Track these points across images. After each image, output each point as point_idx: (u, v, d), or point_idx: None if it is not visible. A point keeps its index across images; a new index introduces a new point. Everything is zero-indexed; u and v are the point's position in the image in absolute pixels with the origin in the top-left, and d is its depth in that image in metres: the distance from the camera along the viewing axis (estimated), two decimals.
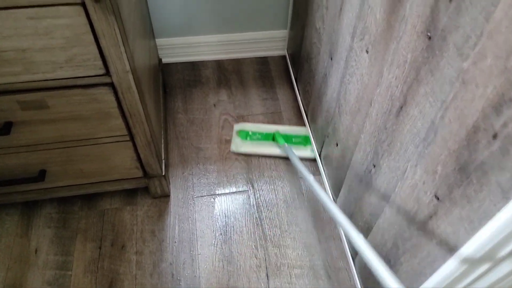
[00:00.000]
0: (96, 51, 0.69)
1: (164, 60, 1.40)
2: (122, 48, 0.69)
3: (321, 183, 1.12)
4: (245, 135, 1.21)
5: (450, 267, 0.51)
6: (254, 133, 1.22)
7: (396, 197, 0.67)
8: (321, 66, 1.01)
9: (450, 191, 0.51)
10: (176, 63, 1.41)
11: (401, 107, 0.61)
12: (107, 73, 0.73)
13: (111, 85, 0.76)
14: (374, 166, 0.74)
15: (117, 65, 0.72)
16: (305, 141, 1.21)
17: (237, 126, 1.23)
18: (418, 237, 0.61)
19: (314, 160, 1.17)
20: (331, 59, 0.92)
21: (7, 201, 0.99)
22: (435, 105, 0.52)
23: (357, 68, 0.77)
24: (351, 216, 0.90)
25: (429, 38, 0.52)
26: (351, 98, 0.82)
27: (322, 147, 1.08)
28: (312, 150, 1.17)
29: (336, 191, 1.01)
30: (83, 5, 0.63)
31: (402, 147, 0.62)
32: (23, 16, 0.62)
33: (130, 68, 0.73)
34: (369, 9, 0.69)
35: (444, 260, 0.54)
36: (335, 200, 1.03)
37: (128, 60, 0.72)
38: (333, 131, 0.96)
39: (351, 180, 0.87)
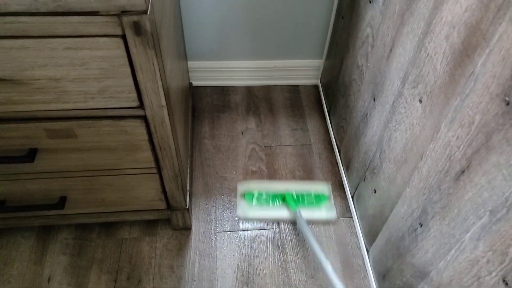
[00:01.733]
0: (131, 83, 0.65)
1: (194, 83, 1.37)
2: (160, 83, 0.65)
3: (352, 226, 1.05)
4: (251, 197, 1.08)
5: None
6: (261, 194, 1.08)
7: (447, 266, 0.60)
8: (360, 105, 0.95)
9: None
10: (206, 86, 1.38)
11: (463, 171, 0.55)
12: (141, 106, 0.69)
13: (144, 118, 0.72)
14: (421, 225, 0.68)
15: (153, 99, 0.68)
16: (318, 200, 1.08)
17: (241, 187, 1.10)
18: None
19: (329, 223, 1.05)
20: (374, 100, 0.86)
21: (24, 225, 0.96)
22: (510, 180, 0.46)
23: (406, 116, 0.72)
24: (387, 271, 0.83)
25: (507, 103, 0.46)
26: (397, 146, 0.76)
27: (356, 189, 1.02)
28: (327, 209, 1.06)
29: (369, 240, 0.94)
30: (123, 37, 0.59)
31: (460, 215, 0.56)
32: (60, 46, 0.59)
33: (166, 103, 0.69)
34: (427, 57, 0.63)
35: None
36: (367, 249, 0.96)
37: (164, 95, 0.68)
38: (371, 176, 0.90)
39: (390, 234, 0.80)
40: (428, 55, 0.63)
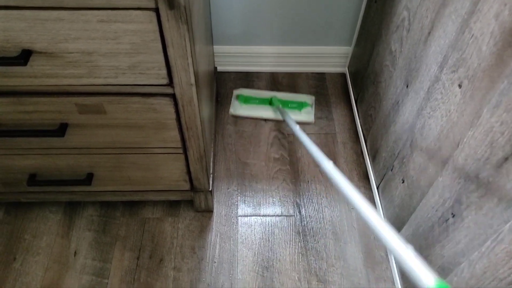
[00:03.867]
0: (162, 60, 0.65)
1: (219, 68, 1.36)
2: (190, 60, 0.65)
3: None
4: (243, 99, 1.26)
5: None
6: (252, 98, 1.27)
7: (481, 257, 0.58)
8: (392, 92, 0.92)
9: None
10: (230, 72, 1.37)
11: (506, 159, 0.52)
12: (170, 83, 0.69)
13: (172, 96, 0.71)
14: (453, 216, 0.65)
15: (182, 76, 0.67)
16: (300, 106, 1.25)
17: (236, 91, 1.29)
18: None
19: (309, 123, 1.22)
20: (407, 86, 0.84)
21: (53, 199, 0.98)
22: None
23: (443, 103, 0.69)
24: None
25: None
26: (431, 134, 0.73)
27: (382, 179, 1.00)
28: (308, 113, 1.23)
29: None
30: (156, 10, 0.58)
31: (500, 205, 0.53)
32: (94, 19, 0.59)
33: (195, 81, 0.68)
34: (471, 39, 0.60)
35: None
36: None
37: (193, 73, 0.67)
38: (399, 166, 0.87)
39: (418, 225, 0.78)
40: (472, 36, 0.60)
